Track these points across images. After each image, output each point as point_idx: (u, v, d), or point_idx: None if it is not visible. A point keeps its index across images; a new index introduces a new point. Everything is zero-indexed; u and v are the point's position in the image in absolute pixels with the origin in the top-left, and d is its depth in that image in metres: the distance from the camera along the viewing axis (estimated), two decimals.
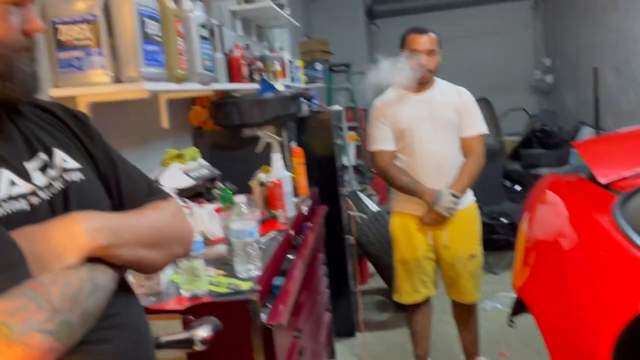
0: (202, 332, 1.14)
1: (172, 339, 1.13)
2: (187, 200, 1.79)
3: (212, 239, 1.55)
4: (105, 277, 0.71)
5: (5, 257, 0.60)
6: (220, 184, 2.07)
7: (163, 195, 0.92)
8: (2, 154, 0.72)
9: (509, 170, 5.09)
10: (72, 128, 0.86)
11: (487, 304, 3.28)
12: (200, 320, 1.18)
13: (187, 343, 1.13)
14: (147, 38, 1.49)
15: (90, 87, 1.48)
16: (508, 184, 4.92)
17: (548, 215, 1.84)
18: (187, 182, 1.90)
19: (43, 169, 0.76)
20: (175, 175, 1.90)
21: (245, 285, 1.26)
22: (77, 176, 0.80)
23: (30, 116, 0.81)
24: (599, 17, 5.19)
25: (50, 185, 0.76)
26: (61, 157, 0.79)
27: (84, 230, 0.69)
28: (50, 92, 1.48)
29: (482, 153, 2.31)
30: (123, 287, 0.82)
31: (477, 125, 2.31)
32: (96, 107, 1.67)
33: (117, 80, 1.49)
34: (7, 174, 0.71)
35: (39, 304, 0.60)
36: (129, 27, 1.45)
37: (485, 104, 5.61)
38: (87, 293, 0.67)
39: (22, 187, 0.72)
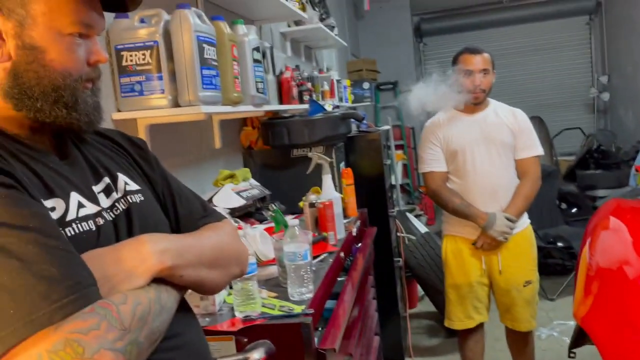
0: (256, 354, 1.13)
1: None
2: (239, 220, 1.81)
3: (264, 260, 1.55)
4: (169, 298, 0.73)
5: (77, 277, 0.62)
6: (271, 205, 2.09)
7: (218, 217, 0.95)
8: (71, 178, 0.76)
9: (564, 192, 4.91)
10: (131, 154, 0.91)
11: (542, 332, 3.14)
12: (254, 342, 1.18)
13: None
14: (204, 63, 1.53)
15: (149, 111, 1.54)
16: (563, 206, 4.74)
17: (611, 242, 1.76)
18: (239, 202, 1.92)
19: (107, 191, 0.80)
20: (227, 195, 1.93)
21: (298, 309, 1.25)
22: (138, 198, 0.84)
23: (93, 143, 0.87)
24: None
25: (114, 206, 0.80)
26: (123, 181, 0.84)
27: (152, 251, 0.71)
28: (113, 115, 1.54)
29: (539, 175, 2.24)
30: (184, 308, 0.84)
31: (533, 147, 2.24)
32: (153, 129, 1.73)
33: (175, 103, 1.54)
34: (76, 197, 0.74)
35: (111, 322, 0.61)
36: (188, 52, 1.49)
37: (538, 122, 5.47)
38: (155, 313, 0.68)
39: (90, 208, 0.75)
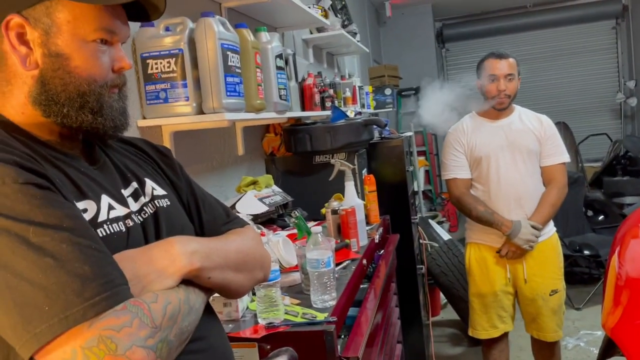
0: None
1: None
2: (261, 226, 1.82)
3: (287, 267, 1.55)
4: (197, 299, 0.75)
5: (109, 275, 0.64)
6: (294, 211, 2.09)
7: (241, 223, 0.97)
8: (101, 181, 0.78)
9: (591, 199, 4.81)
10: (156, 160, 0.93)
11: (568, 341, 3.07)
12: (277, 350, 1.17)
13: None
14: (228, 70, 1.55)
15: (174, 118, 1.55)
16: (590, 213, 4.64)
17: None
18: (262, 209, 1.93)
19: (135, 195, 0.83)
20: (250, 201, 1.93)
21: (321, 316, 1.24)
22: (164, 202, 0.86)
23: (119, 149, 0.90)
24: None
25: (142, 210, 0.82)
26: (151, 186, 0.86)
27: (181, 252, 0.73)
28: (138, 122, 1.57)
29: (565, 183, 2.20)
30: (209, 311, 0.85)
31: (560, 154, 2.20)
32: (177, 135, 1.75)
33: (199, 110, 1.55)
34: (107, 199, 0.77)
35: (142, 320, 0.63)
36: (212, 60, 1.51)
37: (563, 128, 5.38)
38: (184, 313, 0.70)
39: (120, 211, 0.77)
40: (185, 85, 1.52)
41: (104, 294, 0.61)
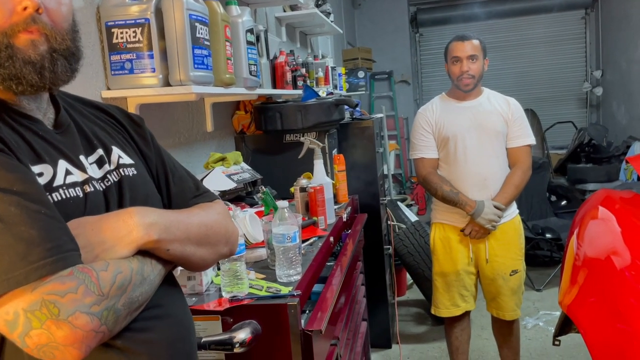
0: (242, 334, 1.14)
1: (212, 339, 1.13)
2: (229, 203, 1.81)
3: (253, 243, 1.55)
4: (153, 271, 0.74)
5: (57, 240, 0.63)
6: (262, 188, 2.08)
7: (210, 197, 0.95)
8: (61, 146, 0.76)
9: (555, 185, 4.94)
10: (128, 129, 0.91)
11: (528, 321, 3.17)
12: (240, 323, 1.18)
13: (227, 345, 1.13)
14: (196, 42, 1.52)
15: (140, 89, 1.52)
16: (553, 198, 4.77)
17: (600, 232, 1.77)
18: (230, 185, 1.92)
19: (99, 163, 0.81)
20: (218, 178, 1.92)
21: (285, 290, 1.25)
22: (130, 171, 0.84)
23: (89, 116, 0.87)
24: None
25: (105, 177, 0.80)
26: (117, 154, 0.84)
27: (138, 223, 0.72)
28: (103, 93, 1.53)
29: (530, 165, 2.25)
30: (170, 282, 0.85)
31: (526, 136, 2.24)
32: (144, 108, 1.71)
33: (166, 82, 1.52)
34: (64, 164, 0.75)
35: (89, 287, 0.63)
36: (180, 31, 1.48)
37: (530, 115, 5.48)
38: (135, 283, 0.69)
39: (77, 176, 0.75)
40: (151, 56, 1.48)
41: (50, 259, 0.61)
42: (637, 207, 1.69)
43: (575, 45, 6.88)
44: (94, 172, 0.79)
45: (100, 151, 0.82)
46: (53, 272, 0.61)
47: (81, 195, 0.74)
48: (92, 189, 0.77)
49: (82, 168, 0.77)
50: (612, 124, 6.23)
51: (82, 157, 0.79)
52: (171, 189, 0.92)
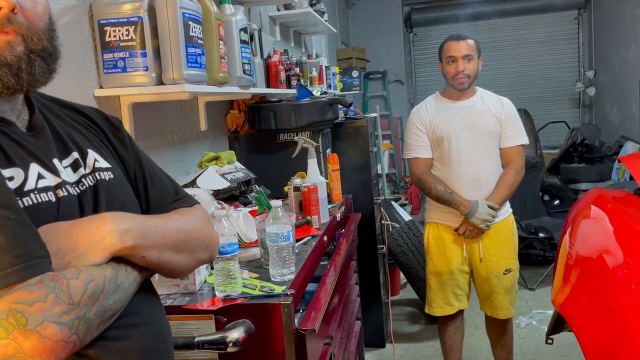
0: (235, 333, 1.13)
1: (205, 339, 1.13)
2: (222, 202, 1.80)
3: (247, 242, 1.54)
4: (127, 278, 0.72)
5: (26, 247, 0.61)
6: (256, 187, 2.08)
7: (190, 202, 0.93)
8: (32, 150, 0.73)
9: (548, 184, 4.96)
10: (105, 132, 0.89)
11: (521, 320, 3.19)
12: (234, 322, 1.18)
13: (220, 344, 1.13)
14: (189, 41, 1.51)
15: (132, 88, 1.51)
16: (546, 198, 4.80)
17: (592, 231, 1.78)
18: (223, 184, 1.91)
19: (74, 166, 0.78)
20: (212, 177, 1.91)
21: (279, 289, 1.25)
22: (107, 175, 0.82)
23: (66, 118, 0.84)
24: None
25: (80, 181, 0.78)
26: (94, 157, 0.82)
27: (113, 230, 0.70)
28: (95, 92, 1.52)
29: (523, 165, 2.25)
30: (147, 289, 0.82)
31: (519, 136, 2.25)
32: (137, 107, 1.71)
33: (159, 81, 1.51)
34: (36, 168, 0.72)
35: (58, 296, 0.61)
36: (173, 29, 1.47)
37: (524, 115, 5.51)
38: (108, 292, 0.67)
39: (50, 180, 0.73)
40: (144, 55, 1.47)
41: (17, 266, 0.59)
42: (629, 206, 1.70)
43: (568, 45, 6.91)
44: (68, 176, 0.77)
45: (75, 154, 0.80)
46: (21, 280, 0.59)
47: (54, 199, 0.72)
48: (66, 194, 0.74)
49: (55, 172, 0.75)
50: (604, 123, 6.27)
51: (55, 161, 0.76)
52: (149, 193, 0.89)
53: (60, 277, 0.62)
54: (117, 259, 0.71)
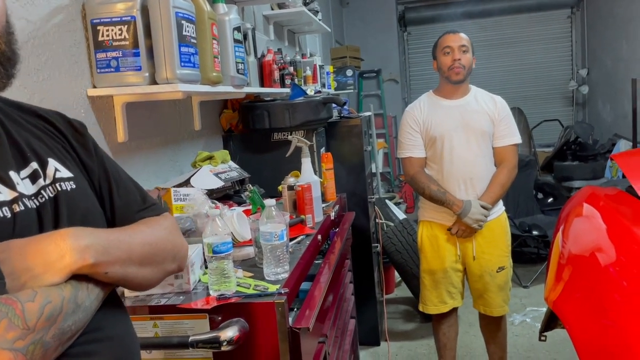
0: (229, 332, 1.14)
1: (199, 338, 1.13)
2: (216, 201, 1.80)
3: (241, 241, 1.54)
4: (89, 297, 0.69)
5: None
6: (249, 186, 2.08)
7: (158, 210, 0.90)
8: None
9: (541, 182, 4.99)
10: (68, 138, 0.84)
11: (515, 317, 3.20)
12: (228, 321, 1.18)
13: (214, 343, 1.13)
14: (183, 40, 1.51)
15: (125, 88, 1.51)
16: (540, 196, 4.82)
17: (584, 229, 1.79)
18: (217, 184, 1.91)
19: (33, 178, 0.74)
20: (205, 176, 1.91)
21: (273, 288, 1.25)
22: (68, 185, 0.77)
23: (26, 125, 0.80)
24: (638, 27, 5.06)
25: (39, 193, 0.73)
26: (54, 167, 0.77)
27: (72, 247, 0.66)
28: (89, 91, 1.51)
29: (515, 164, 2.26)
30: (112, 302, 0.79)
31: (512, 135, 2.26)
32: (131, 107, 1.70)
33: (153, 81, 1.51)
34: None
35: (12, 321, 0.58)
36: (166, 28, 1.47)
37: (517, 113, 5.53)
38: (67, 313, 0.64)
39: (5, 194, 0.69)
40: (137, 54, 1.47)
41: None
42: (621, 204, 1.71)
43: (561, 43, 6.94)
44: (26, 188, 0.72)
45: (34, 164, 0.75)
46: None
47: (9, 215, 0.67)
48: (23, 208, 0.69)
49: (11, 185, 0.70)
50: (597, 121, 6.30)
51: (12, 173, 0.71)
52: (115, 202, 0.85)
53: (15, 300, 0.59)
54: (78, 276, 0.68)
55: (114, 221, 0.84)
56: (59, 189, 0.75)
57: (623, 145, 4.94)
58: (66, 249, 0.66)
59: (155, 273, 0.82)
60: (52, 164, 0.77)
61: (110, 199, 0.85)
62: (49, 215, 0.72)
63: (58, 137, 0.83)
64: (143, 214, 0.87)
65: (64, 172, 0.78)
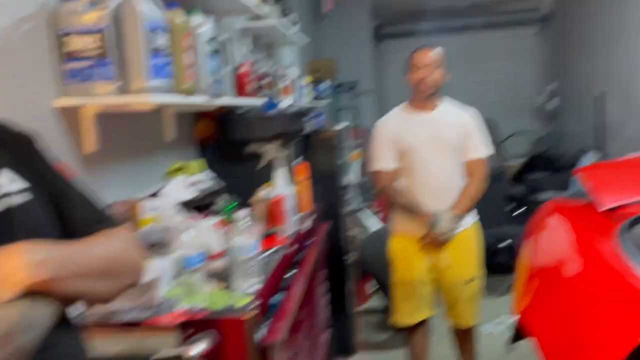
0: (196, 348, 1.12)
1: (165, 356, 1.11)
2: (192, 212, 1.79)
3: (212, 254, 1.53)
4: (42, 314, 0.67)
5: None
6: (224, 197, 2.07)
7: (114, 223, 0.88)
8: None
9: (512, 193, 5.08)
10: (17, 148, 0.82)
11: (486, 327, 3.23)
12: (195, 336, 1.16)
13: None
14: (155, 50, 1.50)
15: (96, 98, 1.49)
16: (510, 206, 4.90)
17: (551, 242, 1.83)
18: (190, 195, 1.90)
19: None
20: (179, 187, 1.90)
21: (243, 302, 1.24)
22: (20, 199, 0.75)
23: None
24: (602, 44, 5.24)
25: None
26: (7, 179, 0.75)
27: (26, 262, 0.64)
28: (55, 102, 1.49)
29: (485, 176, 2.31)
30: (63, 317, 0.77)
31: (482, 148, 2.31)
32: (102, 118, 1.68)
33: (124, 91, 1.50)
34: None
35: None
36: (138, 39, 1.46)
37: (488, 126, 5.63)
38: (21, 331, 0.63)
39: None
40: (107, 65, 1.46)
41: None
42: (585, 216, 1.76)
43: (531, 59, 7.14)
44: None
45: None
46: None
47: None
48: None
49: None
50: (566, 134, 6.47)
51: None
52: (70, 215, 0.82)
53: None
54: (34, 291, 0.65)
55: (69, 234, 0.80)
56: (12, 202, 0.73)
57: (588, 159, 5.08)
58: (19, 264, 0.64)
59: (113, 287, 0.80)
60: (6, 175, 0.75)
61: (64, 212, 0.82)
62: (0, 230, 0.70)
63: (6, 149, 0.80)
64: (99, 226, 0.84)
65: (14, 185, 0.76)
